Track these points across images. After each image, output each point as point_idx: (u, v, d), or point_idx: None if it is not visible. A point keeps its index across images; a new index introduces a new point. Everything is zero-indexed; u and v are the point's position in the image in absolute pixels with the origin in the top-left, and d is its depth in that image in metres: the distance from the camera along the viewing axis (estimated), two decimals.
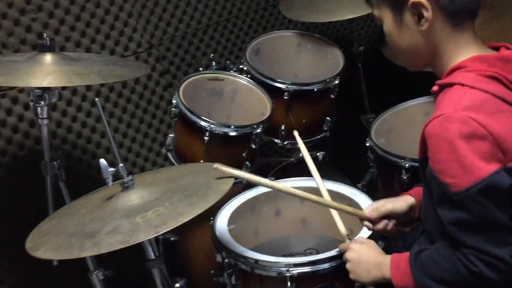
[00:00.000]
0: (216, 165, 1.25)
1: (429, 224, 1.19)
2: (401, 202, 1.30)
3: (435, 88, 1.12)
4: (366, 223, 1.30)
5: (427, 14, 1.05)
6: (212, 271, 1.54)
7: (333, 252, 1.33)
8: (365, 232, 1.38)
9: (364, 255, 1.20)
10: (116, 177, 1.19)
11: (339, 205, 1.32)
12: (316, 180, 1.45)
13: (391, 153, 1.75)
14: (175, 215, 1.04)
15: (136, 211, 1.10)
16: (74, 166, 1.80)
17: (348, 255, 1.22)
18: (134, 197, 1.15)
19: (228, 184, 1.16)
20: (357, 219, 1.34)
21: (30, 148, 1.77)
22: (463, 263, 1.01)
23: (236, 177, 1.26)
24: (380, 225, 1.27)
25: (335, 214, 1.34)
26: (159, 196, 1.14)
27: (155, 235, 1.00)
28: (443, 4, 1.05)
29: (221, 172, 1.24)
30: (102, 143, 1.97)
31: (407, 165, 1.68)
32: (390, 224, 1.28)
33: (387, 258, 1.15)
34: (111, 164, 1.19)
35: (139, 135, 2.10)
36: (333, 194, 1.64)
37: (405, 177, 1.69)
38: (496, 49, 1.12)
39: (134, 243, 0.98)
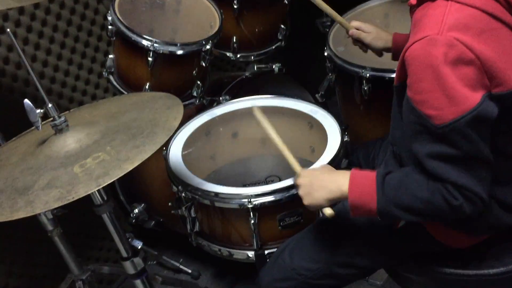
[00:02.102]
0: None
1: (399, 149, 1.12)
2: (379, 42, 1.43)
3: (412, 1, 0.99)
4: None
5: None
6: (170, 203, 1.46)
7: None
8: (333, 142, 1.34)
9: (318, 174, 1.10)
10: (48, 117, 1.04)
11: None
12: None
13: (350, 63, 1.65)
14: (118, 161, 0.92)
15: (73, 158, 0.96)
16: (1, 108, 1.59)
17: (299, 180, 1.11)
18: (70, 141, 1.01)
19: (177, 120, 1.03)
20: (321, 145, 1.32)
21: None
22: (442, 194, 0.94)
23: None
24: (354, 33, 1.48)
25: (286, 152, 1.22)
26: (98, 138, 1.01)
27: (97, 188, 0.88)
28: None
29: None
30: (31, 80, 1.75)
31: (367, 74, 1.59)
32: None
33: (346, 172, 1.06)
34: (42, 102, 1.04)
35: (72, 67, 1.88)
36: (293, 112, 1.55)
37: (365, 88, 1.61)
38: None
39: (74, 199, 0.87)
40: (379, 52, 1.46)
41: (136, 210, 1.89)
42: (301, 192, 1.09)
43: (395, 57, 1.42)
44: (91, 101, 1.96)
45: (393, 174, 1.02)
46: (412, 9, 1.01)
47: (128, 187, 1.92)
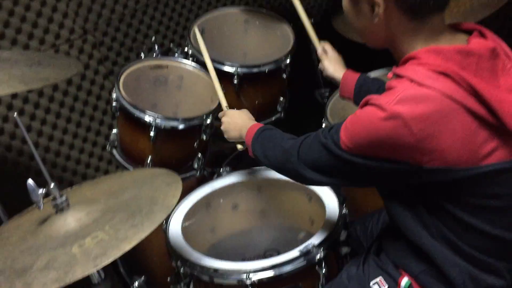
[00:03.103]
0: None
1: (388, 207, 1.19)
2: (331, 69, 1.58)
3: (389, 75, 1.05)
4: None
5: (378, 9, 1.00)
6: (169, 279, 1.45)
7: (295, 253, 1.27)
8: (331, 214, 1.38)
9: (236, 117, 1.43)
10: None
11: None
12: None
13: None
14: (116, 241, 0.94)
15: (72, 238, 0.98)
16: (7, 181, 1.62)
17: (224, 118, 1.46)
18: (70, 220, 1.03)
19: (175, 197, 1.05)
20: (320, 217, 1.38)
21: None
22: (290, 150, 1.15)
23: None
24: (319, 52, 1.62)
25: (219, 90, 1.59)
26: (98, 217, 1.02)
27: (94, 270, 0.88)
28: (397, 3, 0.98)
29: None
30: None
31: None
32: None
33: (252, 122, 1.38)
34: (45, 180, 1.06)
35: (77, 141, 1.94)
36: (291, 184, 1.57)
37: None
38: (470, 32, 1.04)
39: (71, 281, 0.87)
40: (327, 77, 1.60)
41: (136, 283, 1.85)
42: (222, 127, 1.46)
43: (341, 92, 1.55)
44: (95, 173, 2.00)
45: (275, 130, 1.28)
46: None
47: (128, 259, 1.91)
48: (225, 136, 1.43)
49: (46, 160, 1.85)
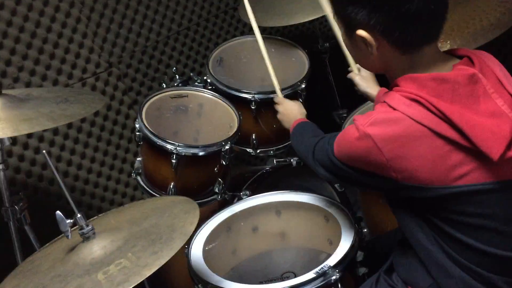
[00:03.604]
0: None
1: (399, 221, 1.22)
2: (363, 85, 1.60)
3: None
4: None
5: (371, 48, 1.06)
6: None
7: (310, 274, 1.30)
8: (347, 235, 1.42)
9: (289, 109, 1.63)
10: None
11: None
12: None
13: None
14: (138, 268, 1.00)
15: (98, 265, 1.05)
16: (39, 210, 1.72)
17: (279, 107, 1.66)
18: (96, 248, 1.10)
19: (193, 225, 1.12)
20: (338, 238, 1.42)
21: None
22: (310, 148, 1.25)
23: None
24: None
25: (271, 71, 1.75)
26: (121, 245, 1.09)
27: None
28: (389, 40, 1.04)
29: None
30: (66, 182, 1.91)
31: None
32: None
33: (299, 116, 1.57)
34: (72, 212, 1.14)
35: (104, 168, 2.03)
36: (309, 206, 1.61)
37: None
38: (460, 57, 1.09)
39: None
40: (360, 93, 1.65)
41: None
42: (278, 116, 1.65)
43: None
44: (121, 199, 2.09)
45: (311, 127, 1.46)
46: None
47: (155, 282, 1.97)
48: (282, 122, 1.63)
49: (75, 187, 1.95)
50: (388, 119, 1.01)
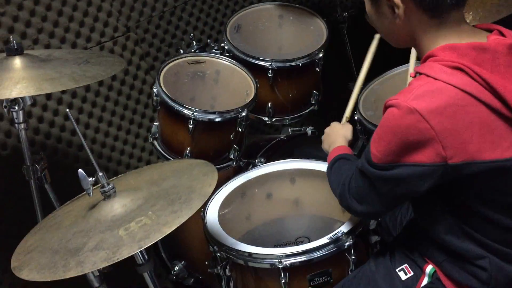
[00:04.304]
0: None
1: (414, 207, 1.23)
2: None
3: (412, 74, 1.10)
4: None
5: (398, 11, 1.04)
6: (206, 262, 1.54)
7: (324, 240, 1.33)
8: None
9: (334, 131, 1.50)
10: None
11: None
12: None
13: None
14: (158, 225, 1.03)
15: (119, 222, 1.08)
16: (58, 171, 1.75)
17: (327, 128, 1.54)
18: (116, 206, 1.13)
19: (211, 186, 1.14)
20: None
21: (10, 157, 1.71)
22: (345, 184, 1.19)
23: None
24: None
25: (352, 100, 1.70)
26: (141, 204, 1.12)
27: (139, 250, 0.98)
28: (416, 2, 1.02)
29: None
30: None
31: None
32: None
33: (342, 143, 1.43)
34: (93, 170, 1.17)
35: (121, 133, 2.05)
36: (324, 174, 1.62)
37: None
38: (490, 31, 1.08)
39: (118, 260, 0.97)
40: None
41: (177, 268, 1.96)
42: (322, 137, 1.54)
43: None
44: (137, 163, 2.12)
45: (348, 161, 1.31)
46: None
47: (170, 245, 2.01)
48: (322, 145, 1.52)
49: (93, 150, 1.98)
50: (431, 90, 0.98)
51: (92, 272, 1.49)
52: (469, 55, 1.00)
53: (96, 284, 1.49)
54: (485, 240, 1.08)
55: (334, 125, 1.53)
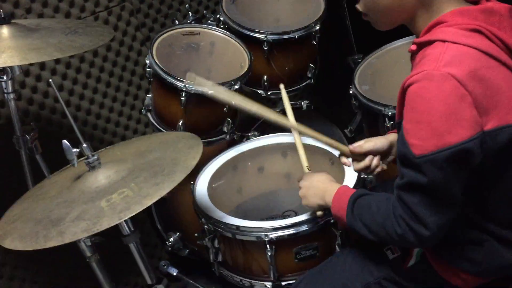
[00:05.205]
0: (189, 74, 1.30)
1: None
2: (383, 140, 1.28)
3: (413, 47, 1.06)
4: (345, 160, 1.29)
5: None
6: (196, 234, 1.55)
7: (309, 214, 1.33)
8: (350, 179, 1.37)
9: (315, 181, 1.25)
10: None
11: (325, 138, 1.29)
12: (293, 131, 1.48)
13: (374, 101, 1.71)
14: (139, 197, 1.03)
15: (102, 193, 1.08)
16: (51, 141, 1.75)
17: (302, 182, 1.28)
18: (101, 177, 1.13)
19: (195, 159, 1.13)
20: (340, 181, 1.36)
21: (3, 126, 1.71)
22: (392, 221, 1.01)
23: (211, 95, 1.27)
24: (366, 161, 1.25)
25: (300, 148, 1.41)
26: (125, 175, 1.12)
27: (118, 222, 0.98)
28: None
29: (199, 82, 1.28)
30: (79, 116, 1.93)
31: (390, 113, 1.64)
32: (375, 159, 1.26)
33: (335, 186, 1.20)
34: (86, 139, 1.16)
35: (116, 104, 2.05)
36: (315, 148, 1.62)
37: (388, 125, 1.66)
38: (476, 3, 1.05)
39: (98, 231, 0.98)
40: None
41: (172, 239, 1.98)
42: (300, 193, 1.28)
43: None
44: (133, 135, 2.12)
45: (367, 196, 1.11)
46: (413, 55, 1.08)
47: (165, 216, 2.03)
48: (303, 202, 1.26)
49: (87, 121, 1.98)
50: (457, 54, 0.94)
51: (84, 241, 1.52)
52: (480, 18, 0.98)
53: (88, 254, 1.51)
54: (488, 225, 1.06)
55: (309, 176, 1.28)
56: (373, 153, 1.25)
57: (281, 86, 1.59)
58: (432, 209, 0.97)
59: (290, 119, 1.44)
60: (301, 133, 1.39)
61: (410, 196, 0.98)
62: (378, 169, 1.27)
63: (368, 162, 1.25)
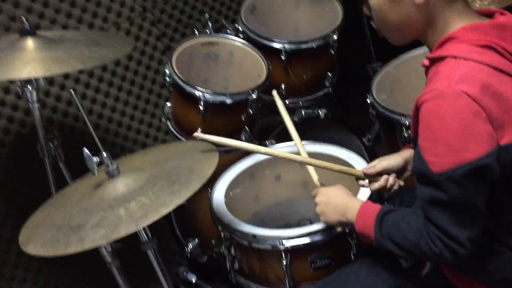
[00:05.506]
0: (195, 134, 1.29)
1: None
2: (397, 158, 1.28)
3: (425, 62, 1.07)
4: (362, 182, 1.29)
5: None
6: (213, 241, 1.58)
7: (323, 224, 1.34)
8: (363, 194, 1.37)
9: (332, 197, 1.24)
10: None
11: (335, 166, 1.31)
12: (296, 143, 1.49)
13: (391, 110, 1.71)
14: (156, 206, 1.06)
15: (120, 201, 1.11)
16: (74, 149, 1.80)
17: (317, 198, 1.26)
18: (119, 186, 1.16)
19: (211, 168, 1.16)
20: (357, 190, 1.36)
21: (28, 135, 1.76)
22: (426, 240, 1.01)
23: (216, 144, 1.29)
24: (381, 181, 1.25)
25: (309, 166, 1.39)
26: (143, 184, 1.15)
27: (135, 230, 1.01)
28: None
29: (203, 140, 1.27)
30: (101, 124, 1.98)
31: (407, 122, 1.64)
32: (391, 178, 1.26)
33: (356, 202, 1.18)
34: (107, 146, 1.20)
35: (137, 112, 2.09)
36: (330, 158, 1.63)
37: (406, 134, 1.66)
38: (490, 16, 1.05)
39: (116, 239, 1.01)
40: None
41: (190, 245, 2.00)
42: (317, 209, 1.26)
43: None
44: (153, 143, 2.16)
45: (393, 213, 1.11)
46: (427, 69, 1.08)
47: (184, 223, 2.06)
48: (322, 219, 1.26)
49: (109, 129, 2.02)
50: (469, 71, 0.96)
51: (105, 247, 1.56)
52: (492, 34, 0.99)
53: (109, 259, 1.55)
54: (505, 236, 1.06)
55: (324, 191, 1.26)
56: (388, 172, 1.26)
57: (274, 92, 1.61)
58: (460, 225, 0.98)
59: (300, 150, 1.45)
60: (313, 165, 1.38)
61: (435, 214, 1.00)
62: (395, 187, 1.27)
63: (383, 183, 1.25)
